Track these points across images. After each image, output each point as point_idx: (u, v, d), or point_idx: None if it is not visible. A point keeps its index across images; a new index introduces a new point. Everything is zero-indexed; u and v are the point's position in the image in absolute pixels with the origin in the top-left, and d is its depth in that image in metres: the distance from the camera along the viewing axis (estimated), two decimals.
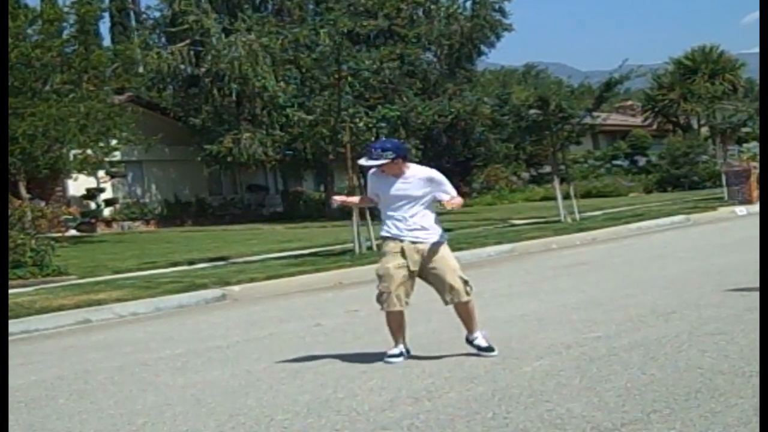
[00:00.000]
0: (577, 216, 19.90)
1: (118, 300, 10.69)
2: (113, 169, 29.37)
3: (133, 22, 35.76)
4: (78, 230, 27.41)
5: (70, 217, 26.06)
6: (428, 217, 6.25)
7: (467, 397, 5.11)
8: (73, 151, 23.20)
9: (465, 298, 6.20)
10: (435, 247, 6.20)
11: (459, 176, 32.39)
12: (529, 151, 33.78)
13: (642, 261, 12.35)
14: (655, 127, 45.89)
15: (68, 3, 22.72)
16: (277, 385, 5.84)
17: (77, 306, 10.36)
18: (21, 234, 14.67)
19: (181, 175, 32.62)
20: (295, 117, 23.27)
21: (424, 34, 31.88)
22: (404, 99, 29.82)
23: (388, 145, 6.32)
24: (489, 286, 9.95)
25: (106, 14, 30.12)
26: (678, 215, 19.32)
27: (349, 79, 20.34)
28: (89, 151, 23.03)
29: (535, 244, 15.46)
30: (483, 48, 34.47)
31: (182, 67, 31.44)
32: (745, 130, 34.37)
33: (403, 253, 6.17)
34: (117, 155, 26.73)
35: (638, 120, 48.22)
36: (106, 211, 30.28)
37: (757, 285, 7.74)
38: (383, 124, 22.33)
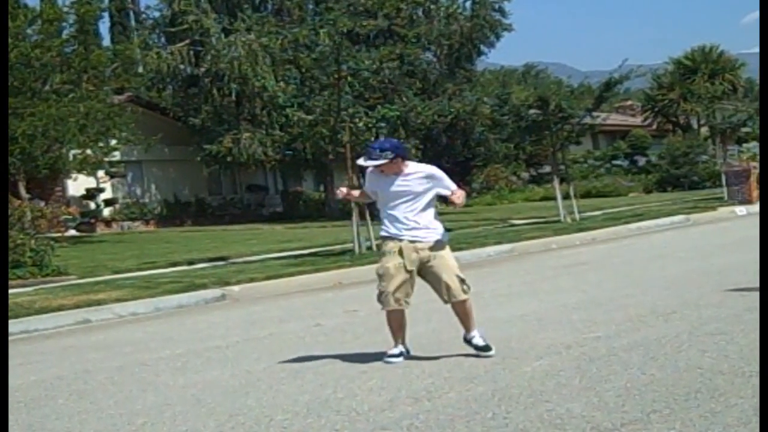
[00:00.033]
0: (577, 216, 19.90)
1: (118, 300, 10.69)
2: (113, 169, 29.37)
3: (133, 22, 35.76)
4: (77, 230, 27.41)
5: (70, 217, 26.07)
6: (428, 216, 6.25)
7: (467, 397, 5.11)
8: (73, 151, 23.20)
9: (462, 297, 6.20)
10: (434, 246, 6.19)
11: (459, 176, 32.21)
12: (529, 151, 33.75)
13: (642, 261, 12.34)
14: (654, 127, 45.90)
15: (68, 3, 22.74)
16: (277, 385, 5.84)
17: (77, 306, 10.36)
18: (21, 234, 14.67)
19: (180, 175, 32.61)
20: (294, 117, 23.20)
21: (424, 34, 31.89)
22: (404, 99, 29.82)
23: (387, 145, 6.31)
24: (489, 286, 9.96)
25: (106, 14, 30.14)
26: (678, 215, 19.32)
27: (349, 79, 20.30)
28: (89, 151, 23.03)
29: (534, 244, 15.46)
30: (483, 48, 34.50)
31: (182, 67, 31.43)
32: (744, 130, 34.34)
33: (401, 252, 6.17)
34: (116, 155, 26.75)
35: (638, 120, 48.22)
36: (106, 211, 30.27)
37: (757, 285, 7.74)
38: (383, 124, 22.30)
